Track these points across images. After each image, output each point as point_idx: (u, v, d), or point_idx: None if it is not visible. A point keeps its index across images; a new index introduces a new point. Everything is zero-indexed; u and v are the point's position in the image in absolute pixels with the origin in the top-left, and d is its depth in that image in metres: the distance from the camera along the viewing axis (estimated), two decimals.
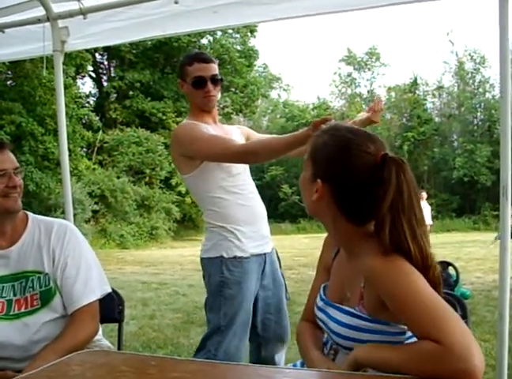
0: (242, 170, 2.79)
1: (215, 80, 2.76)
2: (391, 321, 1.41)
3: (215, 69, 2.78)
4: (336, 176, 1.48)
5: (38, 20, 3.66)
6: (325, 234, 1.75)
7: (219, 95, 2.84)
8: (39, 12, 3.64)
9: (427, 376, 1.20)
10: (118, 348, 2.51)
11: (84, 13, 3.53)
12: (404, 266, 1.36)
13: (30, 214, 2.20)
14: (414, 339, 1.44)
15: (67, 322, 2.07)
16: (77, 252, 2.12)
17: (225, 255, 2.63)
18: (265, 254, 2.77)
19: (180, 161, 2.75)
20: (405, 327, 1.42)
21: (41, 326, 2.04)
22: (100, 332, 2.24)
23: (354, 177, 1.46)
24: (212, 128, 2.74)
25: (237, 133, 2.91)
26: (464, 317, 1.98)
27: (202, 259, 2.75)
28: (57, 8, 3.64)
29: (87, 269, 2.12)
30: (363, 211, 1.48)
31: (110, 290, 2.21)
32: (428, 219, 15.38)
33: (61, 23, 3.70)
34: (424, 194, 15.98)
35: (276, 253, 2.95)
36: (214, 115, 2.87)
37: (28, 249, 2.09)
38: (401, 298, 1.32)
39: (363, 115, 2.76)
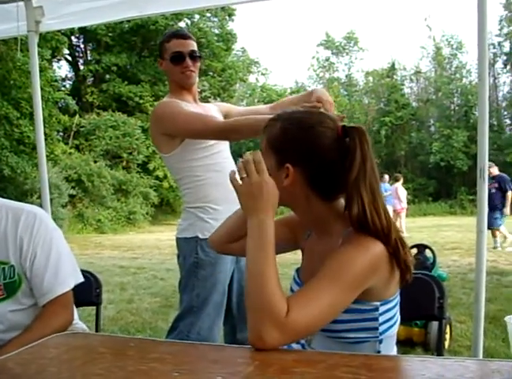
0: (223, 148, 2.77)
1: (193, 57, 2.75)
2: (362, 299, 1.41)
3: (193, 45, 2.77)
4: (305, 157, 1.47)
5: None
6: None
7: (197, 74, 2.81)
8: None
9: None
10: (96, 331, 2.50)
11: None
12: (367, 246, 1.38)
13: None
14: (387, 315, 1.47)
15: (38, 313, 2.00)
16: (47, 241, 2.00)
17: (200, 236, 2.62)
18: None
19: (160, 140, 2.71)
20: (378, 303, 1.44)
21: (8, 314, 1.97)
22: (76, 316, 2.19)
23: (322, 154, 1.47)
24: (193, 107, 2.72)
25: (215, 111, 2.88)
26: (441, 297, 2.01)
27: (178, 239, 2.75)
28: None
29: (57, 258, 2.02)
30: (334, 185, 1.49)
31: (82, 280, 2.12)
32: (404, 202, 15.58)
33: (35, 2, 3.63)
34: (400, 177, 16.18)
35: None
36: (194, 94, 2.84)
37: None
38: (328, 262, 1.37)
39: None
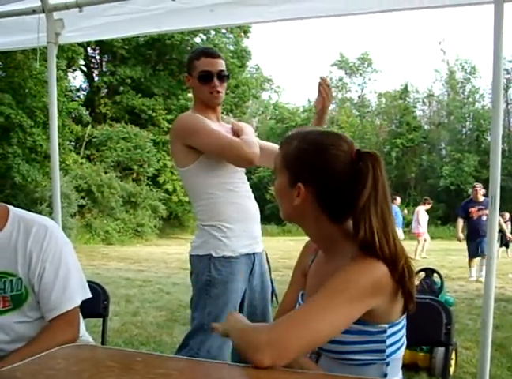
0: (239, 168, 2.75)
1: (221, 76, 2.74)
2: (369, 321, 1.41)
3: (222, 64, 2.76)
4: (317, 178, 1.48)
5: (33, 11, 3.64)
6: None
7: (224, 94, 2.80)
8: (35, 3, 3.62)
9: None
10: (102, 343, 2.50)
11: (79, 5, 3.52)
12: (371, 267, 1.38)
13: (12, 209, 2.05)
14: (395, 337, 1.46)
15: (43, 327, 1.99)
16: (56, 256, 1.99)
17: (214, 254, 2.61)
18: (254, 254, 2.74)
19: (180, 152, 2.69)
20: (386, 325, 1.43)
21: (13, 326, 1.96)
22: (83, 327, 2.18)
23: (335, 176, 1.47)
24: (215, 126, 2.70)
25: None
26: (448, 323, 2.00)
27: (191, 256, 2.72)
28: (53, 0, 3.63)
29: (66, 274, 2.00)
30: (344, 207, 1.49)
31: (90, 296, 2.10)
32: (422, 226, 15.24)
33: (56, 15, 3.69)
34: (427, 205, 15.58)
35: (267, 257, 2.91)
36: (218, 113, 2.83)
37: (2, 249, 1.95)
38: (330, 279, 1.39)
39: (317, 105, 2.73)
